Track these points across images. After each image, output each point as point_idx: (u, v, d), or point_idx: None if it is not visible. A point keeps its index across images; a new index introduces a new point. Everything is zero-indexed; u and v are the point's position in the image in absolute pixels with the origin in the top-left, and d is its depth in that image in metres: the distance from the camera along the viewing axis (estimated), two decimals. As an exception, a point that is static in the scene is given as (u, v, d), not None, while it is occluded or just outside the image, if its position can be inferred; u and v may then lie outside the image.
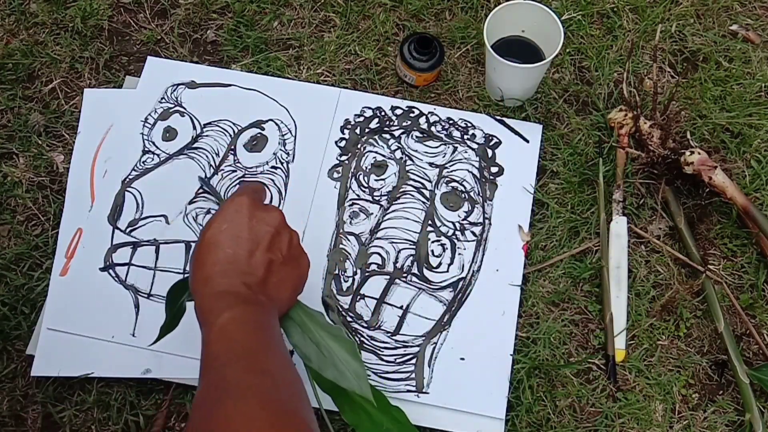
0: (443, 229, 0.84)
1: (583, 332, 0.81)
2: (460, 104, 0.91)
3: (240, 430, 0.48)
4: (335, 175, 0.87)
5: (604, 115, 0.90)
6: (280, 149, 0.88)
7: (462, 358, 0.79)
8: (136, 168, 0.87)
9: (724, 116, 0.90)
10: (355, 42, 0.95)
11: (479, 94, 0.91)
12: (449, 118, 0.90)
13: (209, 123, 0.90)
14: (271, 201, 0.86)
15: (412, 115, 0.90)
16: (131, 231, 0.84)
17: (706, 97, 0.91)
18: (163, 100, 0.91)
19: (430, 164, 0.87)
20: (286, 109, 0.90)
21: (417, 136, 0.89)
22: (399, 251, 0.83)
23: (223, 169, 0.87)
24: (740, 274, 0.84)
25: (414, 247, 0.83)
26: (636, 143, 0.88)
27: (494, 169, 0.87)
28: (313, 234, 0.84)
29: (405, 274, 0.82)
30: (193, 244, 0.83)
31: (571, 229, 0.85)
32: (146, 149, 0.88)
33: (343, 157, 0.88)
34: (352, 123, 0.90)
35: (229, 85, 0.92)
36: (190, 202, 0.85)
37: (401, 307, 0.81)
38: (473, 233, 0.84)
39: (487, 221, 0.85)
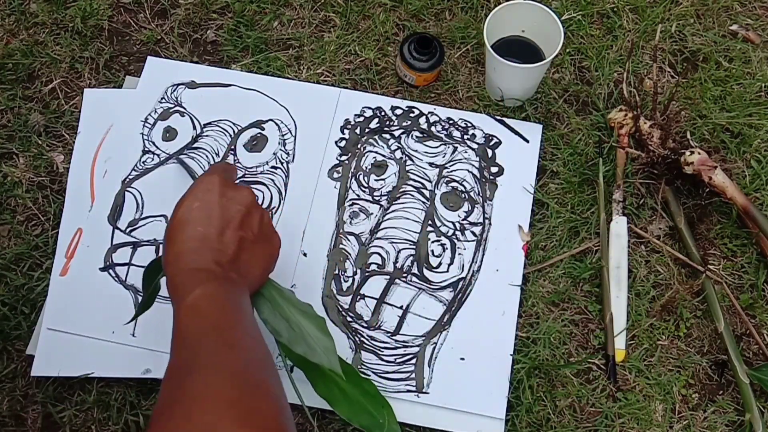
0: (443, 229, 0.84)
1: (583, 332, 0.81)
2: (460, 104, 0.91)
3: (207, 403, 0.48)
4: (335, 175, 0.87)
5: (604, 115, 0.90)
6: (280, 149, 0.88)
7: (462, 358, 0.79)
8: (136, 168, 0.87)
9: (724, 116, 0.90)
10: (355, 42, 0.95)
11: (479, 94, 0.92)
12: (449, 118, 0.90)
13: (209, 123, 0.90)
14: (270, 201, 0.86)
15: (412, 115, 0.90)
16: (131, 231, 0.84)
17: (706, 97, 0.91)
18: (163, 100, 0.91)
19: (430, 164, 0.87)
20: (286, 109, 0.90)
21: (417, 136, 0.89)
22: (399, 251, 0.83)
23: (223, 169, 0.87)
24: (740, 274, 0.84)
25: (414, 247, 0.83)
26: (636, 143, 0.88)
27: (494, 169, 0.87)
28: (313, 234, 0.84)
29: (405, 274, 0.82)
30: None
31: (571, 229, 0.85)
32: (146, 149, 0.88)
33: (343, 157, 0.88)
34: (352, 123, 0.90)
35: (229, 85, 0.92)
36: (190, 202, 0.85)
37: (401, 307, 0.81)
38: (473, 233, 0.84)
39: (487, 221, 0.85)
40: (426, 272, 0.82)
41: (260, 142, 0.89)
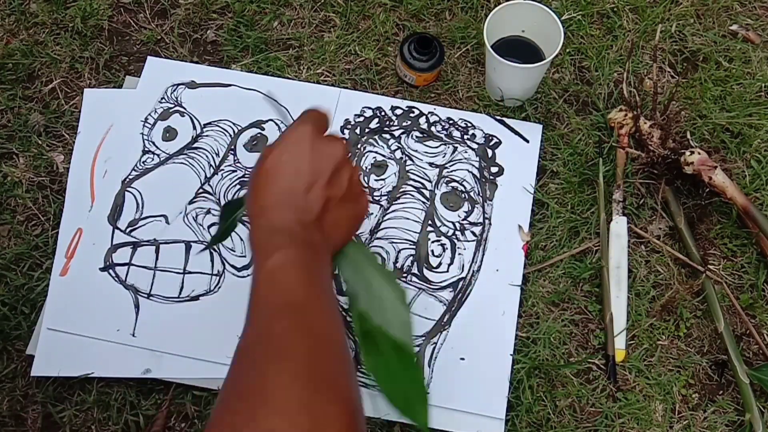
0: (443, 229, 0.84)
1: (583, 332, 0.81)
2: (460, 104, 0.91)
3: (276, 402, 0.45)
4: (335, 175, 0.87)
5: (604, 115, 0.90)
6: (280, 149, 0.88)
7: (462, 358, 0.79)
8: (136, 168, 0.87)
9: (724, 116, 0.90)
10: (355, 42, 0.95)
11: (479, 94, 0.91)
12: (449, 118, 0.90)
13: (209, 123, 0.90)
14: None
15: (412, 115, 0.90)
16: (131, 231, 0.84)
17: (706, 97, 0.91)
18: (163, 100, 0.91)
19: (430, 164, 0.87)
20: (286, 109, 0.90)
21: (417, 136, 0.89)
22: (399, 251, 0.83)
23: (223, 169, 0.87)
24: (740, 274, 0.84)
25: (414, 247, 0.83)
26: (636, 143, 0.88)
27: (494, 169, 0.87)
28: (313, 234, 0.84)
29: (405, 274, 0.82)
30: (193, 245, 0.83)
31: (571, 229, 0.85)
32: (146, 149, 0.88)
33: (343, 157, 0.88)
34: (352, 123, 0.90)
35: (229, 85, 0.92)
36: (190, 202, 0.85)
37: (401, 307, 0.81)
38: (473, 233, 0.84)
39: (487, 221, 0.85)
40: (426, 272, 0.82)
41: (260, 142, 0.89)
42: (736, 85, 0.92)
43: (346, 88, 0.92)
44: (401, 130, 0.89)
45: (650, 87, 0.90)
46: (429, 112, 0.90)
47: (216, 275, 0.82)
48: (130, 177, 0.87)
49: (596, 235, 0.85)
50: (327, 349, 0.50)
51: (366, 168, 0.87)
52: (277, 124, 0.90)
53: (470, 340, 0.79)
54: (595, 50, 0.94)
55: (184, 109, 0.91)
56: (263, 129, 0.90)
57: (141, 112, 0.90)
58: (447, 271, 0.82)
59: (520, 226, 0.85)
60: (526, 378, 0.78)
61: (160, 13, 0.98)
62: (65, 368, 0.78)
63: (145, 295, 0.81)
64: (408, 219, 0.85)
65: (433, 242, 0.84)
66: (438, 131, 0.89)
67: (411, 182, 0.86)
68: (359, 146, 0.89)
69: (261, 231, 0.56)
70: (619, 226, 0.84)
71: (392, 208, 0.85)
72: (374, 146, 0.88)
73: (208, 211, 0.85)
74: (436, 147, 0.88)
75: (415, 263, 0.83)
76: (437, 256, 0.83)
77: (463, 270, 0.82)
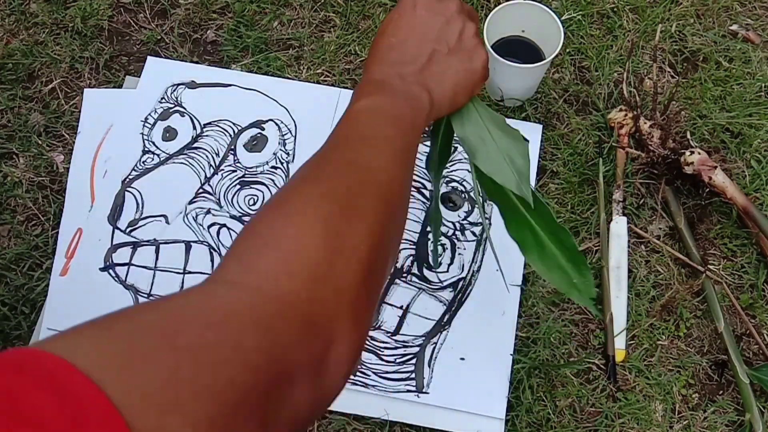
0: (443, 229, 0.84)
1: (583, 332, 0.81)
2: (460, 104, 0.91)
3: (298, 203, 0.43)
4: (335, 175, 0.87)
5: (604, 115, 0.90)
6: (280, 149, 0.88)
7: (462, 358, 0.79)
8: (136, 168, 0.87)
9: (724, 116, 0.90)
10: (355, 42, 0.95)
11: (479, 94, 0.91)
12: (449, 118, 0.89)
13: (209, 123, 0.90)
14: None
15: (412, 115, 0.90)
16: (131, 231, 0.84)
17: (706, 97, 0.91)
18: (163, 100, 0.91)
19: (430, 164, 0.87)
20: (286, 109, 0.90)
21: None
22: (399, 251, 0.83)
23: (223, 169, 0.87)
24: (740, 274, 0.84)
25: (414, 247, 0.83)
26: (636, 143, 0.88)
27: (494, 169, 0.87)
28: (313, 234, 0.84)
29: (405, 274, 0.82)
30: (193, 245, 0.83)
31: (571, 229, 0.85)
32: (146, 149, 0.88)
33: (343, 157, 0.88)
34: (352, 123, 0.90)
35: (229, 85, 0.92)
36: (190, 202, 0.85)
37: (401, 307, 0.81)
38: (473, 233, 0.84)
39: (487, 221, 0.85)
40: (426, 272, 0.82)
41: (260, 142, 0.89)
42: (736, 85, 0.92)
43: (346, 88, 0.92)
44: (401, 130, 0.89)
45: (650, 87, 0.90)
46: (429, 112, 0.90)
47: (216, 275, 0.82)
48: (130, 177, 0.87)
49: (596, 235, 0.85)
50: (373, 190, 0.46)
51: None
52: (277, 124, 0.90)
53: (470, 340, 0.79)
54: (595, 50, 0.94)
55: (184, 109, 0.91)
56: (263, 129, 0.90)
57: (141, 112, 0.90)
58: (447, 271, 0.82)
59: (520, 226, 0.84)
60: (526, 378, 0.78)
61: (160, 13, 0.98)
62: (65, 368, 0.77)
63: (145, 295, 0.81)
64: (408, 219, 0.84)
65: (433, 242, 0.84)
66: (438, 131, 0.89)
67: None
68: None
69: (360, 84, 0.55)
70: (619, 226, 0.84)
71: (392, 208, 0.85)
72: (374, 146, 0.88)
73: (208, 211, 0.85)
74: (436, 147, 0.88)
75: (415, 263, 0.83)
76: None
77: (463, 270, 0.82)
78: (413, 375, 0.78)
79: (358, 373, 0.78)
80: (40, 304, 0.81)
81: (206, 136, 0.89)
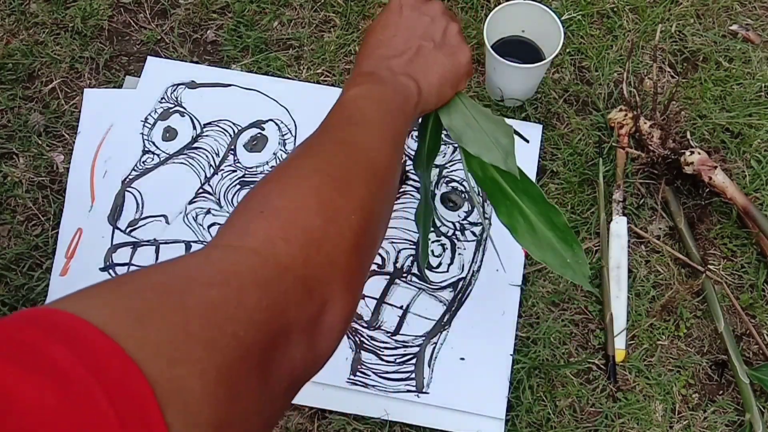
0: (443, 229, 0.84)
1: (583, 332, 0.81)
2: (460, 104, 0.91)
3: (292, 177, 0.45)
4: (335, 175, 0.87)
5: (604, 115, 0.90)
6: (281, 149, 0.88)
7: (462, 358, 0.79)
8: (136, 168, 0.87)
9: (724, 116, 0.90)
10: (355, 42, 0.95)
11: (479, 94, 0.91)
12: (449, 118, 0.90)
13: (209, 123, 0.90)
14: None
15: (412, 115, 0.90)
16: (131, 231, 0.84)
17: (706, 97, 0.91)
18: (163, 100, 0.91)
19: (430, 164, 0.87)
20: (286, 109, 0.90)
21: (416, 137, 0.89)
22: (399, 251, 0.83)
23: (223, 169, 0.87)
24: (740, 274, 0.84)
25: (414, 247, 0.83)
26: (636, 143, 0.88)
27: (494, 169, 0.87)
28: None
29: (405, 274, 0.82)
30: (193, 245, 0.83)
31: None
32: (146, 149, 0.88)
33: (343, 157, 0.88)
34: (352, 123, 0.90)
35: (229, 85, 0.92)
36: (190, 202, 0.85)
37: (401, 307, 0.81)
38: (473, 233, 0.84)
39: (487, 221, 0.85)
40: (426, 272, 0.82)
41: (260, 142, 0.89)
42: (736, 85, 0.92)
43: (346, 88, 0.92)
44: (401, 130, 0.89)
45: (650, 87, 0.90)
46: (429, 112, 0.90)
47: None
48: (130, 177, 0.87)
49: (596, 235, 0.85)
50: (363, 166, 0.49)
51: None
52: (277, 124, 0.90)
53: (470, 340, 0.79)
54: (595, 50, 0.94)
55: (184, 109, 0.91)
56: (263, 129, 0.90)
57: (141, 112, 0.90)
58: (447, 271, 0.82)
59: (520, 226, 0.84)
60: (526, 378, 0.78)
61: (160, 13, 0.98)
62: (65, 368, 0.77)
63: (145, 295, 0.81)
64: (408, 219, 0.85)
65: (433, 242, 0.84)
66: (438, 131, 0.89)
67: (411, 182, 0.86)
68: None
69: (350, 76, 0.59)
70: (619, 226, 0.84)
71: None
72: (374, 146, 0.88)
73: (208, 211, 0.85)
74: (436, 147, 0.88)
75: (415, 263, 0.83)
76: (437, 256, 0.83)
77: (463, 270, 0.82)
78: (413, 375, 0.78)
79: (358, 373, 0.78)
80: (40, 304, 0.81)
81: (206, 136, 0.89)
